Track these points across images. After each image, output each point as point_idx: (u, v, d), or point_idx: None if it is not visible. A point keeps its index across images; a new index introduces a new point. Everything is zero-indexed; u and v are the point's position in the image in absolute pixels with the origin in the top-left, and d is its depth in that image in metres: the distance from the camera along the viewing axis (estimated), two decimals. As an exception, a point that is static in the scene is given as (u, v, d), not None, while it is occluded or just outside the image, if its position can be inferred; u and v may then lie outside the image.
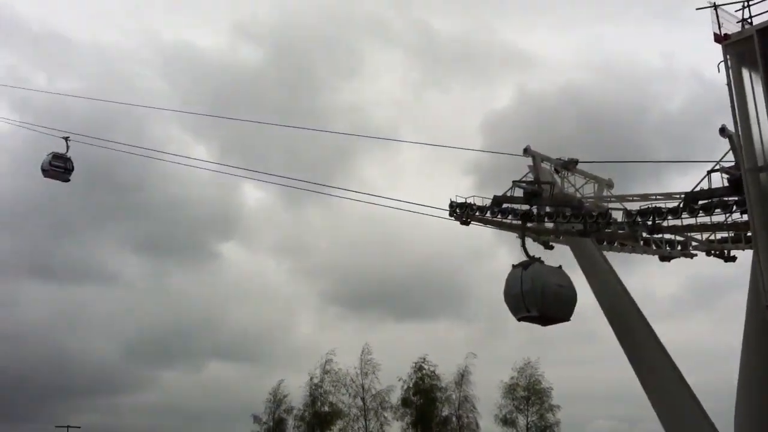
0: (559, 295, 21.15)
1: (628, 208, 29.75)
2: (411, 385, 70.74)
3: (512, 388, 70.84)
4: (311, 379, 70.75)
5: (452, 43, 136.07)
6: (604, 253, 32.65)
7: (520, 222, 31.03)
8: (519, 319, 21.91)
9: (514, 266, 22.40)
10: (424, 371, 71.17)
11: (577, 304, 27.04)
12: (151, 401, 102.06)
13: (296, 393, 71.31)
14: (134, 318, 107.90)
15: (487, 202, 32.44)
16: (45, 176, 37.76)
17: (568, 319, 21.13)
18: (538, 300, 20.77)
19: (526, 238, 24.84)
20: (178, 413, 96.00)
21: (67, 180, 37.39)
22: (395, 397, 70.94)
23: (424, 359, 71.41)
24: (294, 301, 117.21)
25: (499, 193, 32.17)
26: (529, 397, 70.58)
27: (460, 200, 33.67)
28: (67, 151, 36.99)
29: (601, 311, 30.72)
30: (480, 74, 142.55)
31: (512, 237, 34.23)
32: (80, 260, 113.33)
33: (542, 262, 21.98)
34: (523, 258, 24.85)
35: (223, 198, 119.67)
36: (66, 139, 35.89)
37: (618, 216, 29.93)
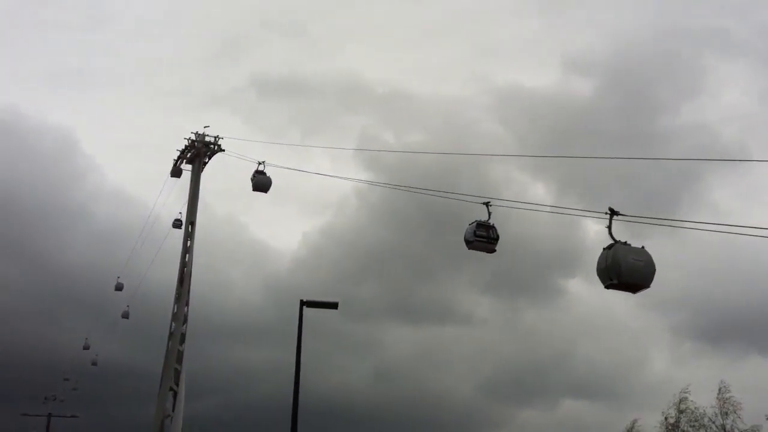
0: (635, 266, 23.61)
1: None
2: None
3: None
4: (665, 419, 68.34)
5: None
6: None
7: None
8: (606, 287, 24.07)
9: (604, 249, 24.86)
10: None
11: None
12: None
13: (652, 433, 69.43)
14: (490, 356, 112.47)
15: None
16: (469, 248, 32.04)
17: (648, 286, 23.52)
18: (617, 271, 23.25)
19: None
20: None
21: (493, 250, 31.70)
22: (762, 439, 65.91)
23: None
24: (644, 336, 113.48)
25: None
26: None
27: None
28: (489, 217, 31.46)
29: None
30: None
31: None
32: (437, 301, 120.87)
33: (627, 244, 23.95)
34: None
35: (564, 234, 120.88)
36: (487, 204, 31.25)
37: None
